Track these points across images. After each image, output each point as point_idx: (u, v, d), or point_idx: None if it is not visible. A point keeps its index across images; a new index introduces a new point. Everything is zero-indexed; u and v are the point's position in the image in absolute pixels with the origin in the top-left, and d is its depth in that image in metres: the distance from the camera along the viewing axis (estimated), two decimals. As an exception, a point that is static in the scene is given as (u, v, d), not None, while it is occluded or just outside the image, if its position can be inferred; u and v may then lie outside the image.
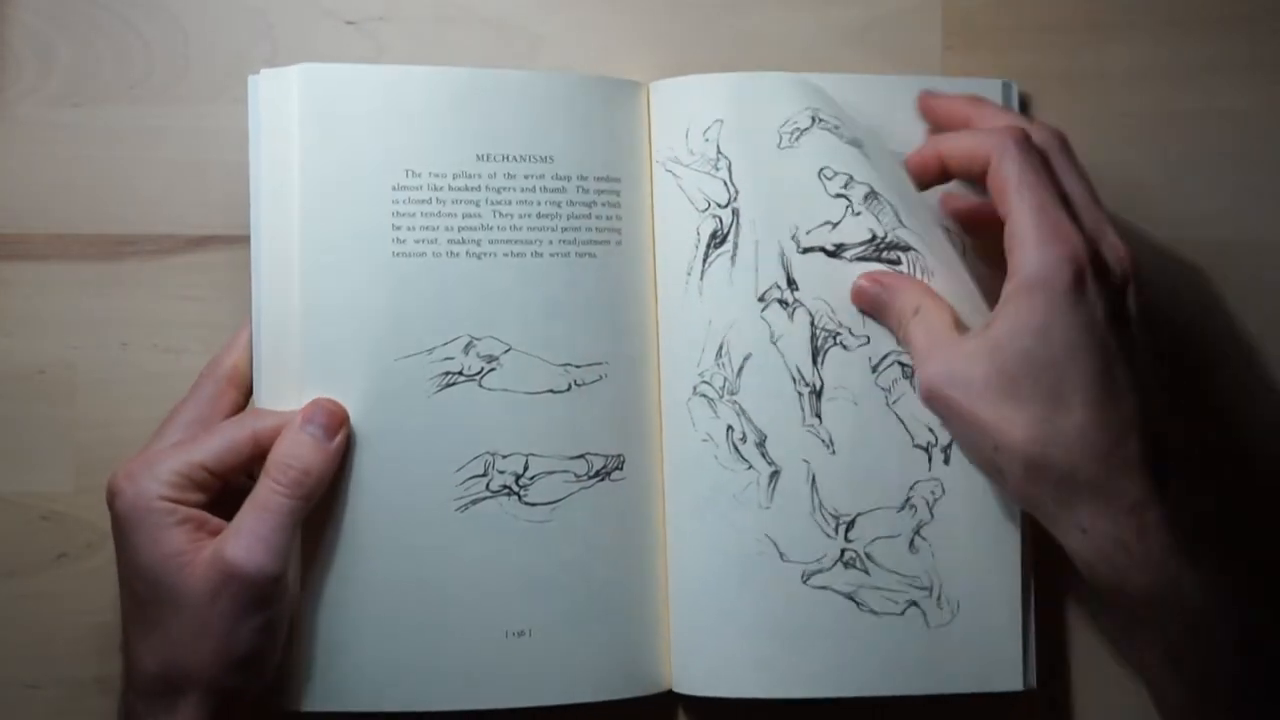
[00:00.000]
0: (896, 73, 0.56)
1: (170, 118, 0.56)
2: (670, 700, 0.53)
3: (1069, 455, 0.44)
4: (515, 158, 0.52)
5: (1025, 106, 0.56)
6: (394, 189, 0.51)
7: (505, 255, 0.52)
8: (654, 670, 0.53)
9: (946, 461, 0.51)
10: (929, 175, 0.51)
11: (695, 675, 0.52)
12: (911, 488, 0.52)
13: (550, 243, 0.52)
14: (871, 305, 0.52)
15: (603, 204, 0.53)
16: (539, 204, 0.52)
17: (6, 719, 0.55)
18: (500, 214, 0.52)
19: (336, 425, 0.50)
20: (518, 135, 0.52)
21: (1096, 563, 0.45)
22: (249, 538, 0.47)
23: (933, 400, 0.47)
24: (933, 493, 0.51)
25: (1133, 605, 0.45)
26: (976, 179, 0.49)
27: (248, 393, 0.51)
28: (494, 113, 0.52)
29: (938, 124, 0.53)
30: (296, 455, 0.49)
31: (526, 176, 0.52)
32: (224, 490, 0.49)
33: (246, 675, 0.47)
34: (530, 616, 0.51)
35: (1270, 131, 0.57)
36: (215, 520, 0.48)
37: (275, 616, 0.48)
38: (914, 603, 0.51)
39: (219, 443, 0.49)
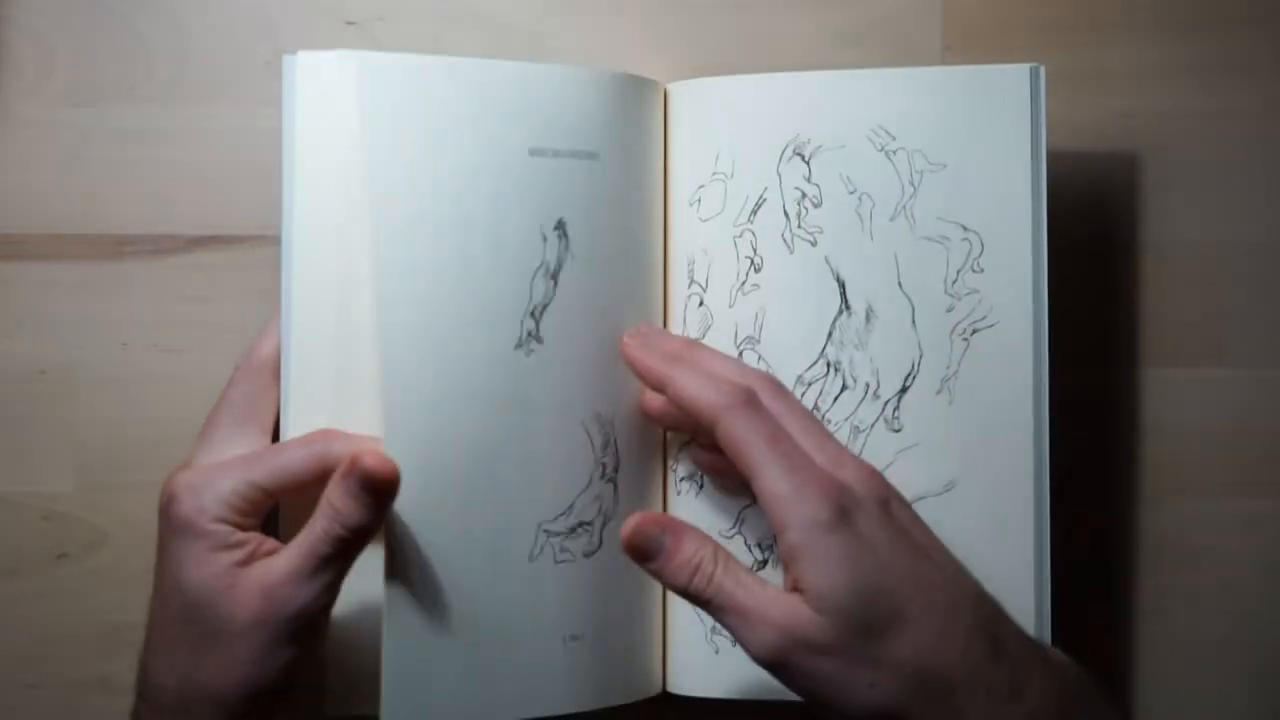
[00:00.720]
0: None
1: (170, 118, 0.56)
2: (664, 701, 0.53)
3: (948, 661, 0.44)
4: (565, 153, 0.50)
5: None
6: (464, 184, 0.49)
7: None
8: (654, 671, 0.53)
9: None
10: (668, 421, 0.51)
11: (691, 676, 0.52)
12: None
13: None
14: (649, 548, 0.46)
15: (642, 204, 0.52)
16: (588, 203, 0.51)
17: (6, 719, 0.55)
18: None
19: (389, 485, 0.46)
20: (567, 131, 0.50)
21: None
22: (300, 574, 0.45)
23: (779, 668, 0.44)
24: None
25: None
26: (705, 434, 0.48)
27: None
28: (546, 108, 0.50)
29: (643, 379, 0.50)
30: (346, 506, 0.45)
31: (573, 173, 0.51)
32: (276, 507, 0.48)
33: (266, 706, 0.46)
34: (582, 622, 0.50)
35: (1271, 131, 0.57)
36: (269, 542, 0.47)
37: (309, 651, 0.46)
38: None
39: (285, 464, 0.47)
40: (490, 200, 0.49)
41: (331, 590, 0.45)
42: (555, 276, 0.50)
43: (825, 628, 0.43)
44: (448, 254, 0.48)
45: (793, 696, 0.46)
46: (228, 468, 0.47)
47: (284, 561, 0.45)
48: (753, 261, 0.52)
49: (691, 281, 0.52)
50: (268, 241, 0.56)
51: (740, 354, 0.51)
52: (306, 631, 0.45)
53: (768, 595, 0.45)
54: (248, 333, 0.55)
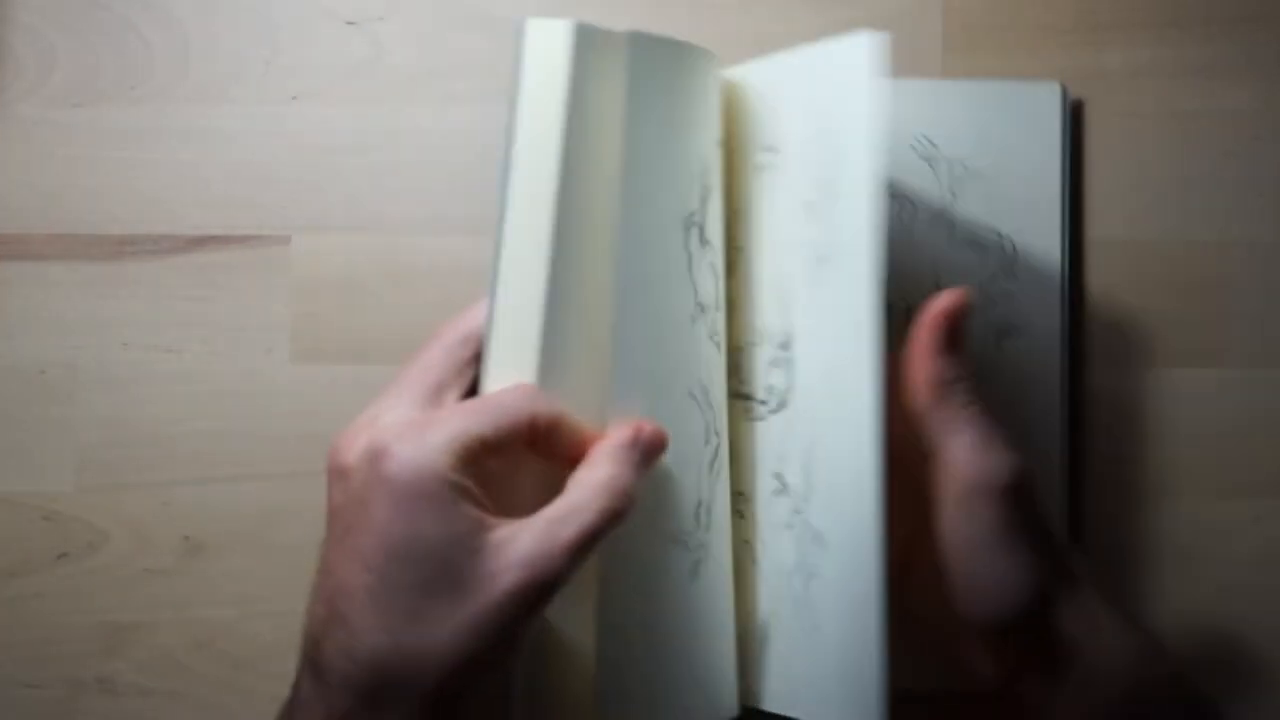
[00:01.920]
0: (897, 74, 0.56)
1: (170, 118, 0.56)
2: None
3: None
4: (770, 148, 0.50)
5: (1079, 110, 0.56)
6: (689, 174, 0.48)
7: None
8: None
9: None
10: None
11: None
12: None
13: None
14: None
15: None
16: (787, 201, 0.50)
17: (6, 719, 0.55)
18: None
19: (658, 453, 0.45)
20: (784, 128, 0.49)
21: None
22: (560, 543, 0.41)
23: (1009, 490, 0.46)
24: None
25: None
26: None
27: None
28: (770, 104, 0.49)
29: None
30: (621, 480, 0.43)
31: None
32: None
33: (470, 688, 0.41)
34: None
35: (1270, 131, 0.57)
36: (490, 503, 0.42)
37: (533, 630, 0.43)
38: None
39: (499, 417, 0.43)
40: (700, 188, 0.48)
41: (579, 567, 0.42)
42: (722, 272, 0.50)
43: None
44: (679, 246, 0.47)
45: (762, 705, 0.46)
46: (444, 419, 0.42)
47: (544, 528, 0.41)
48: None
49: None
50: (268, 241, 0.56)
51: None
52: (545, 608, 0.42)
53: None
54: (248, 333, 0.55)
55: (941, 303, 0.47)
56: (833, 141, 0.47)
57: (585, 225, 0.45)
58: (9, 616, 0.55)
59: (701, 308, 0.48)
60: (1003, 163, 0.54)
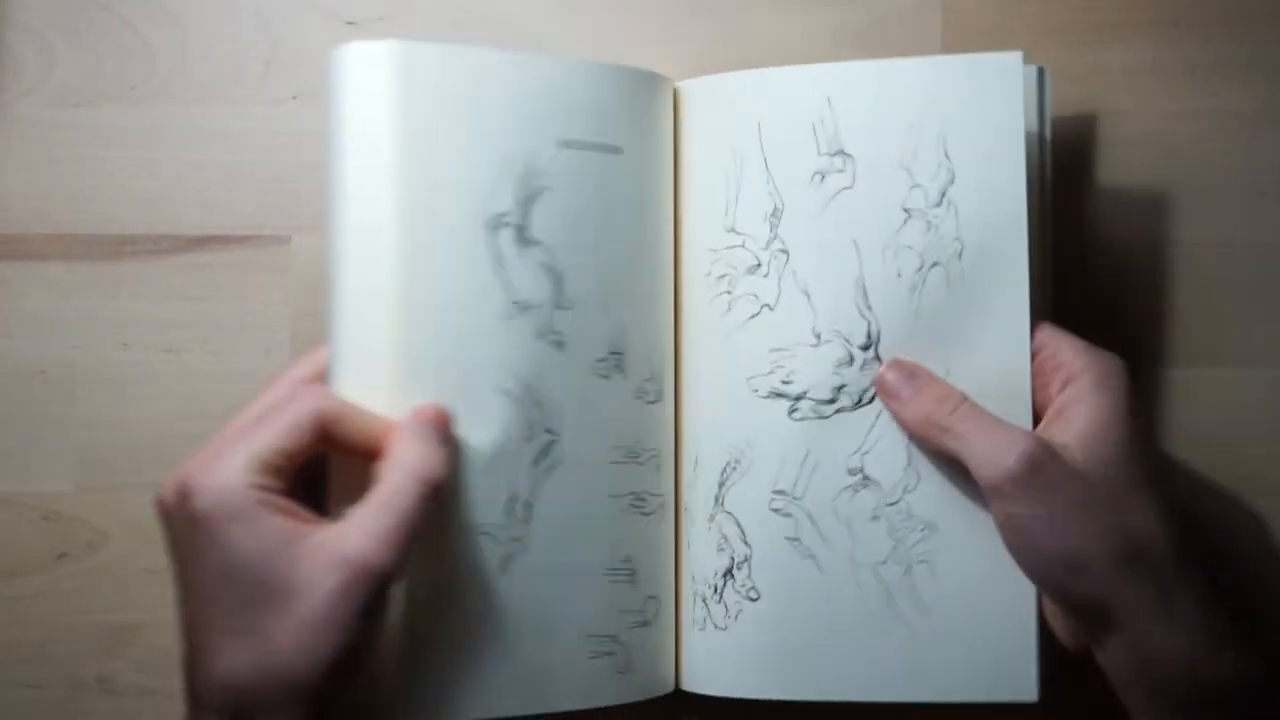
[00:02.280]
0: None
1: (170, 118, 0.56)
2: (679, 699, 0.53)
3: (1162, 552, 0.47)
4: (592, 146, 0.51)
5: (1042, 81, 0.54)
6: (495, 176, 0.49)
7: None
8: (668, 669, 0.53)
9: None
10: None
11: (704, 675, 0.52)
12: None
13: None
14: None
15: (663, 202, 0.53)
16: (612, 195, 0.51)
17: (6, 719, 0.55)
18: (582, 203, 0.51)
19: (449, 431, 0.47)
20: (594, 124, 0.51)
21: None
22: (382, 531, 0.43)
23: (1019, 483, 0.47)
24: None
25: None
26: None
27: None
28: (574, 101, 0.50)
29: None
30: (430, 456, 0.45)
31: (601, 166, 0.51)
32: (295, 478, 0.45)
33: (350, 682, 0.43)
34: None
35: (1270, 131, 0.57)
36: (304, 511, 0.44)
37: (383, 620, 0.44)
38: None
39: (287, 423, 0.44)
40: (520, 189, 0.49)
41: (406, 554, 0.43)
42: (567, 271, 0.50)
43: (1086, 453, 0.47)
44: (480, 246, 0.49)
45: (805, 695, 0.46)
46: (236, 440, 0.44)
47: (357, 526, 0.43)
48: (781, 251, 0.52)
49: (712, 275, 0.52)
50: (268, 241, 0.56)
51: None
52: (383, 597, 0.43)
53: (1012, 424, 0.48)
54: (248, 333, 0.55)
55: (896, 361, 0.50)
56: (944, 152, 0.50)
57: (376, 233, 0.48)
58: (9, 616, 0.55)
59: (522, 306, 0.49)
60: (969, 144, 0.50)
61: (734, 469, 0.52)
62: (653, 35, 0.57)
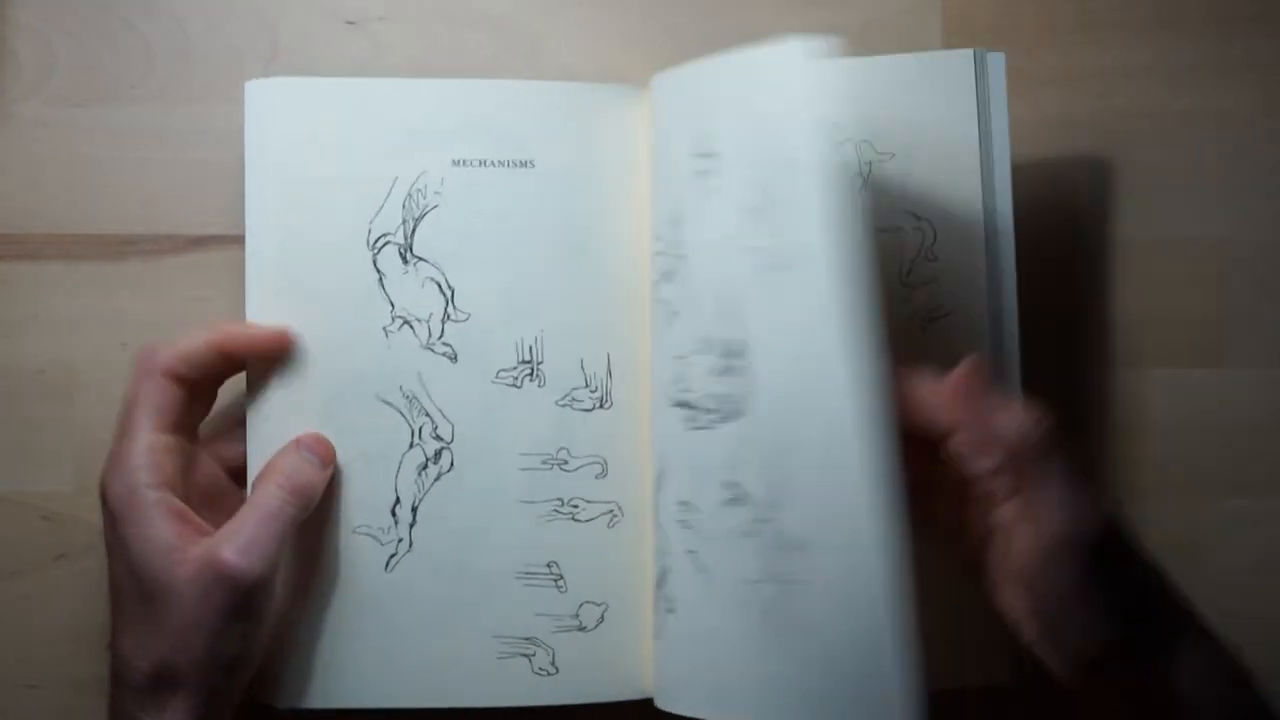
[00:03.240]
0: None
1: (170, 118, 0.56)
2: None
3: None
4: (493, 163, 0.52)
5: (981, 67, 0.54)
6: (380, 197, 0.52)
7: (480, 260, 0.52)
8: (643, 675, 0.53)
9: None
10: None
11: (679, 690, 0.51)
12: None
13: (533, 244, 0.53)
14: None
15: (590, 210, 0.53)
16: (520, 209, 0.53)
17: (6, 719, 0.55)
18: (480, 219, 0.52)
19: (330, 458, 0.51)
20: (496, 141, 0.52)
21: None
22: (246, 541, 0.47)
23: (1080, 546, 0.44)
24: None
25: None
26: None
27: (189, 387, 0.51)
28: (471, 121, 0.52)
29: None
30: (299, 470, 0.50)
31: (506, 182, 0.52)
32: (192, 410, 0.51)
33: (231, 676, 0.48)
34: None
35: (1269, 131, 0.57)
36: (197, 520, 0.49)
37: (261, 621, 0.48)
38: None
39: (157, 401, 0.49)
40: (407, 209, 0.52)
41: (273, 560, 0.48)
42: (460, 285, 0.53)
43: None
44: (363, 265, 0.52)
45: (703, 714, 0.47)
46: (132, 434, 0.49)
47: (227, 533, 0.47)
48: (679, 256, 0.50)
49: (650, 280, 0.52)
50: (268, 241, 0.56)
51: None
52: (257, 601, 0.47)
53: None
54: (248, 332, 0.55)
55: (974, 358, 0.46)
56: (772, 146, 0.47)
57: (270, 254, 0.52)
58: (9, 617, 0.55)
59: (405, 320, 0.52)
60: (915, 141, 0.50)
61: (661, 478, 0.51)
62: (648, 34, 0.57)
